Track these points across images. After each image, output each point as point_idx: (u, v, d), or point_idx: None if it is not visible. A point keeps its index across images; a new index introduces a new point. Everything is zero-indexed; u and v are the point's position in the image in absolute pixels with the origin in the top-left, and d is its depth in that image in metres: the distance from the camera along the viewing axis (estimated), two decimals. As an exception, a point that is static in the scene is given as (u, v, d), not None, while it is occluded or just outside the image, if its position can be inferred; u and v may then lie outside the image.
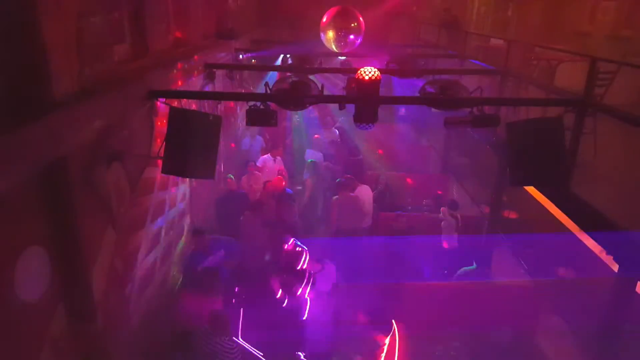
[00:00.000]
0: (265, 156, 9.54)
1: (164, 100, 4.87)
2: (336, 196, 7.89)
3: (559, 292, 6.71)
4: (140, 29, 5.05)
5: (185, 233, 6.62)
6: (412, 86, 7.01)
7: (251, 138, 10.91)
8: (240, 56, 9.37)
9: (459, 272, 6.76)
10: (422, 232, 7.73)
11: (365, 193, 7.98)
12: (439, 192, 9.60)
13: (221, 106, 8.53)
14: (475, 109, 5.05)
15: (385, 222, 8.13)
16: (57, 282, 3.22)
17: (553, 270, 7.79)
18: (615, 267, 5.04)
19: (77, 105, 3.18)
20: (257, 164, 9.22)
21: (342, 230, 7.72)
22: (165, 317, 5.45)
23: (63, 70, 3.15)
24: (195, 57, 6.60)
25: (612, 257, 5.17)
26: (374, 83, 4.88)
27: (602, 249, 5.75)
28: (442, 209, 7.97)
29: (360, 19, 9.40)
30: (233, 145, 10.44)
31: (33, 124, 2.67)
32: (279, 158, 9.52)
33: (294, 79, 5.22)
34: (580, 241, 7.27)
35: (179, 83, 5.84)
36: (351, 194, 7.77)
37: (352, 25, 8.71)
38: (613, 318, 4.94)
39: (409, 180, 10.25)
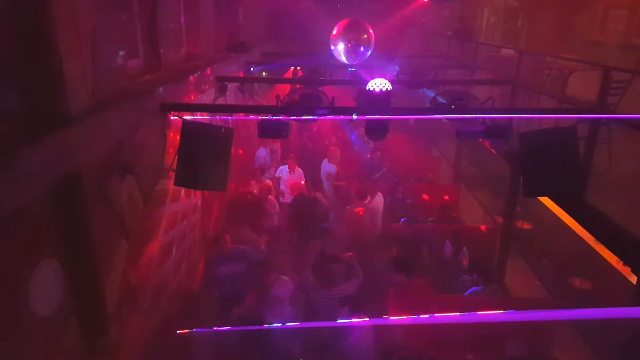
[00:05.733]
0: (282, 167, 9.55)
1: (176, 114, 4.92)
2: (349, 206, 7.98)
3: (575, 304, 6.57)
4: (153, 43, 5.13)
5: (197, 245, 6.63)
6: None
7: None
8: (251, 69, 9.46)
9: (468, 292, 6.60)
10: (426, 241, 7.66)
11: (376, 204, 8.04)
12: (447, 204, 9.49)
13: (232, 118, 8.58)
14: (487, 119, 5.03)
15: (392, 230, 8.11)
16: (71, 295, 3.23)
17: (569, 282, 7.65)
18: (633, 279, 4.94)
19: (92, 119, 3.22)
20: (276, 174, 9.41)
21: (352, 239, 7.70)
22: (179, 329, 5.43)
23: (78, 85, 3.20)
24: (207, 70, 6.66)
25: (629, 269, 5.07)
26: (384, 94, 4.90)
27: (619, 259, 5.64)
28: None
29: (370, 30, 9.43)
30: (241, 151, 10.43)
31: (49, 139, 2.71)
32: (299, 170, 9.43)
33: (304, 91, 5.26)
34: (596, 252, 7.14)
35: (191, 96, 5.89)
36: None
37: (362, 37, 8.74)
38: (632, 330, 4.83)
39: (420, 190, 10.19)
